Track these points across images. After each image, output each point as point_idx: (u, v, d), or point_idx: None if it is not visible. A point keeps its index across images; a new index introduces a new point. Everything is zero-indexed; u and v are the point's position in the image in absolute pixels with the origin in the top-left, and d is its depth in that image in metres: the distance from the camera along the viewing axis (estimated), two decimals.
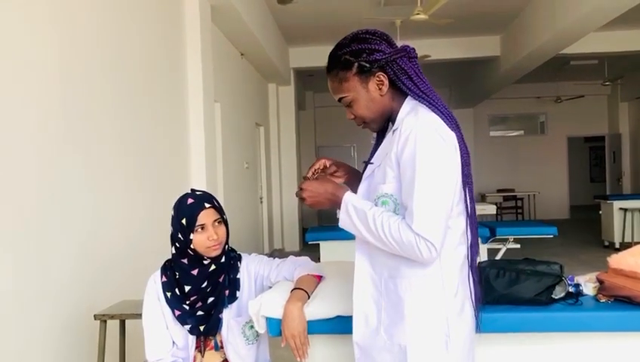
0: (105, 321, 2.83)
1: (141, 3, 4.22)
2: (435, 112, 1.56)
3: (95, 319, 2.82)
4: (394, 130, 1.62)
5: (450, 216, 1.55)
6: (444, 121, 1.55)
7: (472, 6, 8.01)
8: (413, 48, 1.65)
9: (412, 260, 1.53)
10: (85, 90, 3.27)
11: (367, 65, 1.59)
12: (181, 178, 4.94)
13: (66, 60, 3.09)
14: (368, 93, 1.62)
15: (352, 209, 1.57)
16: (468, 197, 1.60)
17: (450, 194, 1.52)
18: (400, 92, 1.64)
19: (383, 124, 1.69)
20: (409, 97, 1.63)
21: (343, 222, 1.60)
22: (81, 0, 3.28)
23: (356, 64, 1.59)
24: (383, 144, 1.68)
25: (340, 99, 1.66)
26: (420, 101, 1.59)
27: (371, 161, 1.69)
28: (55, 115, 2.94)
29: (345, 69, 1.61)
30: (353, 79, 1.61)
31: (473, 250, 1.64)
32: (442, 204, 1.49)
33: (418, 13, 6.49)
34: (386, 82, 1.61)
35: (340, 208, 1.62)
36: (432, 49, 9.12)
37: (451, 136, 1.54)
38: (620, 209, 8.92)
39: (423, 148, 1.48)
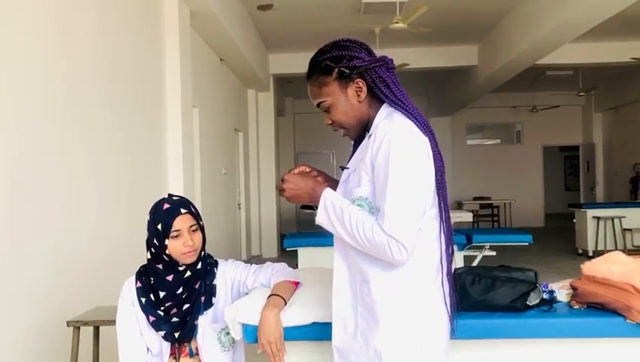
0: (78, 328, 2.78)
1: (119, 7, 4.18)
2: (410, 118, 1.60)
3: (68, 326, 2.77)
4: (369, 135, 1.65)
5: (423, 220, 1.57)
6: (419, 128, 1.59)
7: (450, 16, 8.11)
8: (392, 59, 1.69)
9: (385, 264, 1.55)
10: (62, 91, 3.23)
11: (347, 71, 1.62)
12: (158, 183, 4.89)
13: (43, 61, 3.05)
14: (347, 99, 1.65)
15: (330, 205, 1.60)
16: (442, 203, 1.63)
17: (421, 197, 1.55)
18: (377, 100, 1.67)
19: (360, 132, 1.71)
20: (385, 105, 1.67)
21: (320, 217, 1.62)
22: (60, 4, 3.24)
23: (336, 70, 1.63)
24: (358, 149, 1.72)
25: (318, 104, 1.69)
26: (395, 108, 1.63)
27: (347, 167, 1.72)
28: (30, 115, 2.90)
29: (325, 74, 1.64)
30: (333, 84, 1.64)
31: (447, 255, 1.66)
32: (413, 206, 1.52)
33: (397, 22, 6.54)
34: (365, 89, 1.64)
35: (317, 205, 1.63)
36: (411, 58, 9.19)
37: (424, 142, 1.58)
38: (594, 217, 9.08)
39: (396, 151, 1.52)
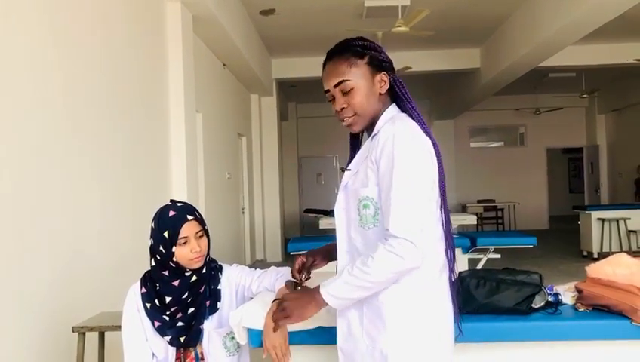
0: (84, 333, 2.78)
1: (122, 12, 4.20)
2: (414, 121, 1.63)
3: (73, 331, 2.77)
4: (373, 136, 1.66)
5: (429, 222, 1.58)
6: (422, 130, 1.62)
7: (452, 19, 8.12)
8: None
9: None
10: (64, 99, 3.24)
11: (378, 61, 1.66)
12: (162, 188, 4.90)
13: (45, 69, 3.06)
14: (372, 87, 1.66)
15: (332, 290, 1.57)
16: (444, 206, 1.65)
17: (426, 197, 1.56)
18: (389, 101, 1.70)
19: (367, 125, 1.70)
20: (392, 106, 1.69)
21: (339, 305, 1.60)
22: (62, 10, 3.26)
23: (368, 56, 1.66)
24: (360, 151, 1.72)
25: (339, 83, 1.65)
26: (405, 111, 1.66)
27: (349, 168, 1.72)
28: (33, 125, 2.91)
29: (357, 56, 1.65)
30: (363, 67, 1.65)
31: (450, 258, 1.67)
32: (418, 206, 1.53)
33: (399, 26, 6.55)
34: (387, 84, 1.68)
35: (323, 302, 1.60)
36: (413, 61, 9.20)
37: (428, 143, 1.60)
38: (598, 219, 9.05)
39: (401, 152, 1.53)
